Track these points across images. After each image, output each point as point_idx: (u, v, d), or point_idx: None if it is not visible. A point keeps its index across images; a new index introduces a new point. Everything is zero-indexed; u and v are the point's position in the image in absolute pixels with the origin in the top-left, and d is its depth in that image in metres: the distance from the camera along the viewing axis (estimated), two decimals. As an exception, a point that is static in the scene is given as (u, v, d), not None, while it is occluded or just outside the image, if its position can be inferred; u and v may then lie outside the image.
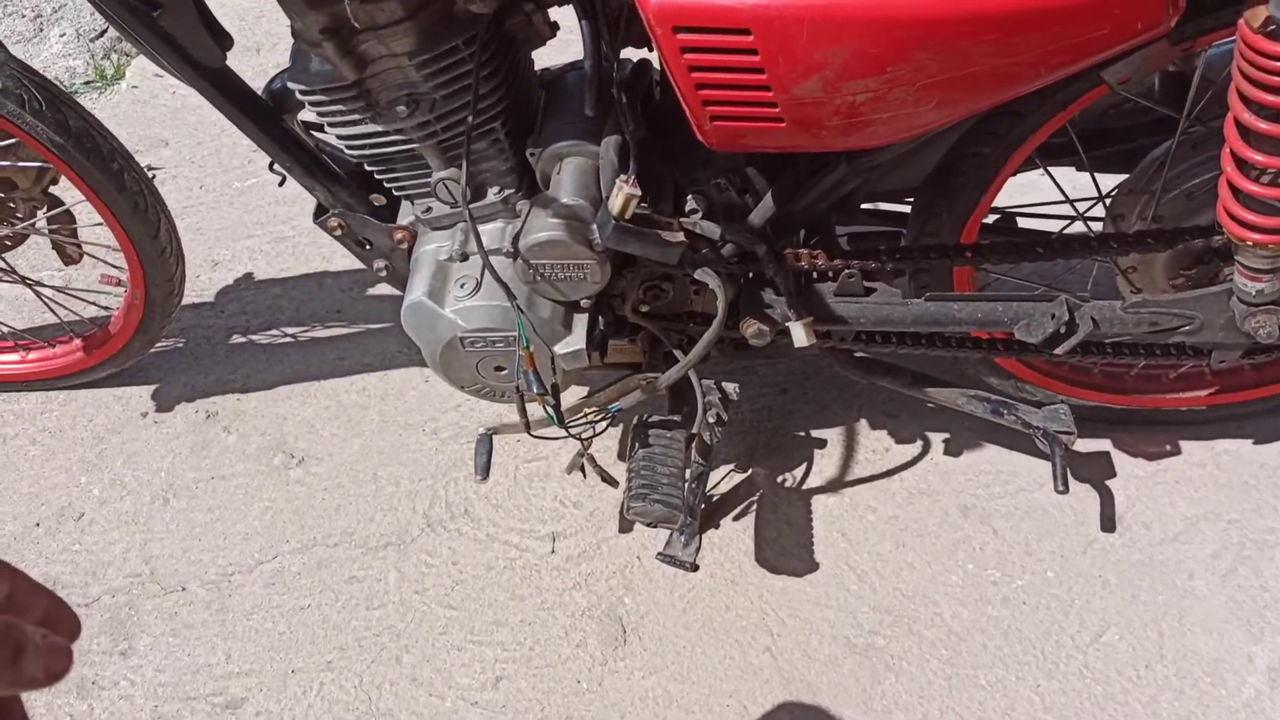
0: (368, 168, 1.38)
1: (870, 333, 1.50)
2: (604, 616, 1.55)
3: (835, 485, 1.71)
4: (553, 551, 1.64)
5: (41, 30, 3.23)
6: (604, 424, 1.38)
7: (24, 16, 3.25)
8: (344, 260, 2.20)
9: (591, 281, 1.31)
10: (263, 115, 1.41)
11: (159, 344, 2.00)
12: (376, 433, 1.84)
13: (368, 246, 1.52)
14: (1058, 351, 1.35)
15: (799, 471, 1.74)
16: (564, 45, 1.38)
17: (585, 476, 1.55)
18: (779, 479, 1.73)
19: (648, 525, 1.35)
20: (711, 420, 1.51)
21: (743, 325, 1.40)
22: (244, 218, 2.33)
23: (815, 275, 1.43)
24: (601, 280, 1.31)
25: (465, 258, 1.37)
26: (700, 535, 1.61)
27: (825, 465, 1.74)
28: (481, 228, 1.38)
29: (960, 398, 1.58)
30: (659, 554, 1.59)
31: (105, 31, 3.10)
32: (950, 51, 0.99)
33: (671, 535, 1.60)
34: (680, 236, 1.25)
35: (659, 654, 1.50)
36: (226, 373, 1.96)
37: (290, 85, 1.28)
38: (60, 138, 1.44)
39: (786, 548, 1.63)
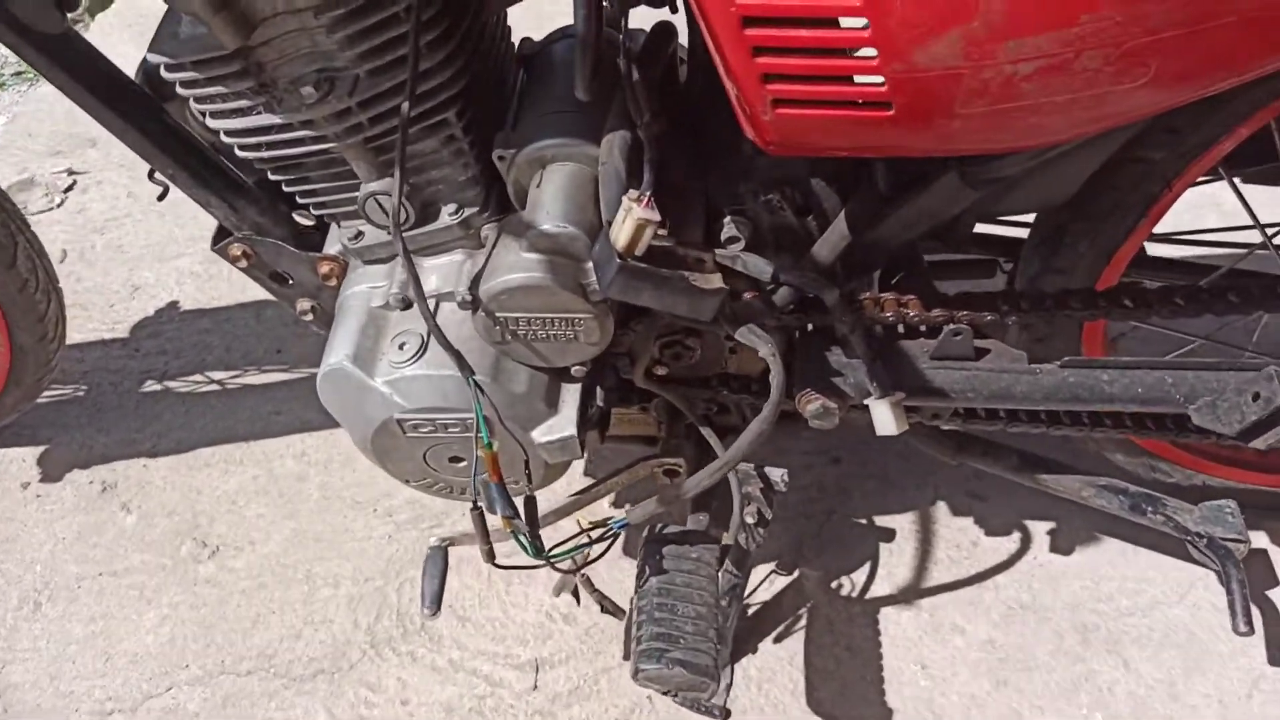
0: (271, 176, 0.98)
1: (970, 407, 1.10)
2: (603, 784, 1.14)
3: (909, 594, 1.30)
4: (535, 687, 1.23)
5: (-21, 16, 2.83)
6: (604, 545, 0.97)
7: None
8: (291, 286, 1.80)
9: (586, 343, 0.91)
10: (132, 102, 1.02)
11: (51, 392, 1.61)
12: (315, 514, 1.44)
13: (287, 282, 1.12)
14: (1257, 445, 0.94)
15: (860, 575, 1.33)
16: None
17: (579, 602, 1.15)
18: (834, 584, 1.32)
19: (665, 695, 0.96)
20: (750, 520, 1.10)
21: (800, 400, 0.99)
22: (175, 232, 1.93)
23: (902, 330, 1.03)
24: (600, 341, 0.91)
25: (407, 305, 0.96)
26: (732, 667, 1.21)
27: (894, 566, 1.33)
28: (430, 262, 0.98)
29: (1086, 489, 1.17)
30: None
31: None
32: (1193, -12, 0.58)
33: (694, 667, 1.19)
34: (717, 281, 0.85)
35: (678, 842, 1.10)
36: (133, 430, 1.56)
37: (150, 57, 0.88)
38: None
39: (847, 684, 1.22)
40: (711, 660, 0.94)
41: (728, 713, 1.19)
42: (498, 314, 0.88)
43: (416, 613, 1.31)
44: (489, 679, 1.24)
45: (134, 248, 1.91)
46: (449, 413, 0.92)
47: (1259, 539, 1.31)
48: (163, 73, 0.88)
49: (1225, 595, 1.08)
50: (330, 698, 1.23)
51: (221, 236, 1.10)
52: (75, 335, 1.72)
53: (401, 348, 0.93)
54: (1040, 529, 1.36)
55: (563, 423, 0.95)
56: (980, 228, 1.12)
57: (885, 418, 0.94)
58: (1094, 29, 0.61)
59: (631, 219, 0.78)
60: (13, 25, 0.92)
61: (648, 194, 0.79)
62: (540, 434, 0.95)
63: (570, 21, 1.03)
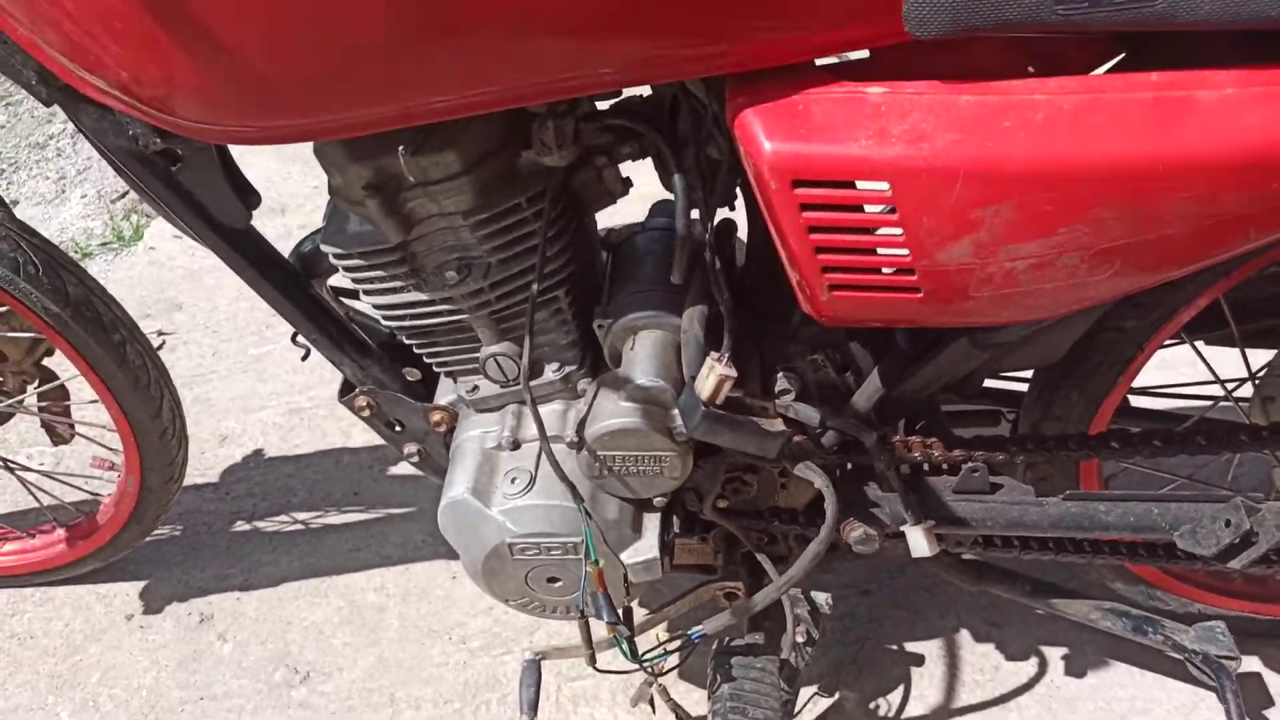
0: (406, 340, 1.19)
1: (988, 536, 1.27)
2: None
3: (940, 715, 1.43)
4: (605, 799, 1.35)
5: (64, 192, 3.16)
6: (683, 653, 1.13)
7: (48, 179, 3.19)
8: (364, 435, 1.99)
9: (669, 477, 1.10)
10: (288, 281, 1.23)
11: (153, 533, 1.78)
12: (395, 642, 1.58)
13: (399, 428, 1.31)
14: (1234, 565, 1.11)
15: (895, 697, 1.46)
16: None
17: (654, 711, 1.29)
18: (872, 706, 1.45)
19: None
20: (800, 639, 1.25)
21: (844, 529, 1.17)
22: (258, 387, 2.14)
23: (927, 468, 1.22)
24: (682, 475, 1.10)
25: (516, 446, 1.16)
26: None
27: (925, 689, 1.47)
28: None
29: (1093, 612, 1.33)
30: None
31: (126, 193, 3.03)
32: (1141, 210, 0.80)
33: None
34: (780, 425, 1.04)
35: None
36: (226, 566, 1.72)
37: (324, 248, 1.11)
38: (56, 306, 1.26)
39: (890, 796, 1.34)
40: (779, 756, 1.08)
41: (782, 821, 1.30)
42: (599, 452, 1.07)
43: (492, 731, 1.44)
44: (562, 792, 1.36)
45: (221, 400, 2.11)
46: (552, 537, 1.10)
47: (1252, 663, 1.45)
48: (332, 260, 1.11)
49: (1223, 710, 1.23)
50: (417, 809, 1.35)
51: (347, 390, 1.30)
52: (170, 480, 1.91)
53: (513, 481, 1.12)
54: (1055, 654, 1.50)
55: (647, 546, 1.13)
56: (988, 382, 1.33)
57: (920, 542, 1.11)
58: (1069, 238, 0.83)
59: (715, 375, 0.99)
60: (208, 222, 1.15)
61: (727, 355, 0.99)
62: (628, 556, 1.13)
63: (640, 218, 1.28)
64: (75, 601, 1.67)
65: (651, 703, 1.23)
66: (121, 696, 1.52)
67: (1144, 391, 1.35)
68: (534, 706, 1.15)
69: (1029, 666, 1.49)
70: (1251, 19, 0.72)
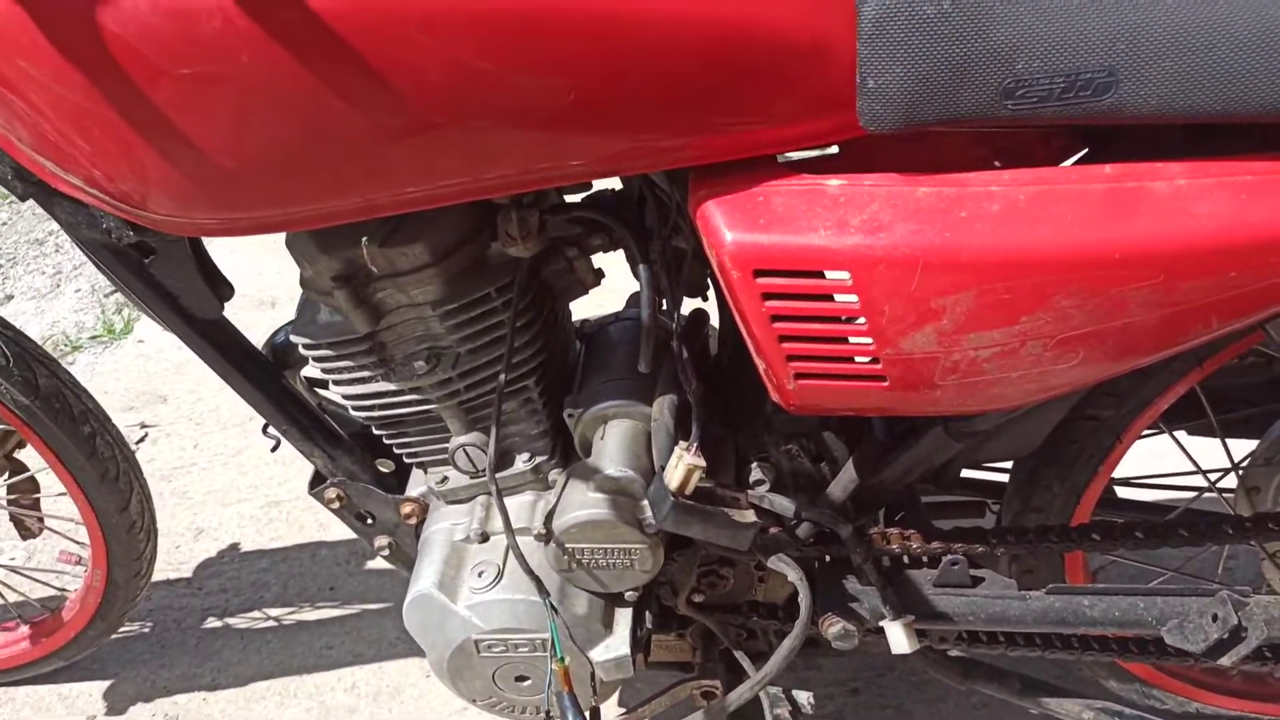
0: (375, 430, 1.18)
1: (972, 632, 1.24)
2: None
3: (931, 822, 1.37)
4: None
5: (58, 286, 3.19)
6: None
7: (44, 274, 3.22)
8: (341, 529, 1.95)
9: (640, 570, 1.07)
10: (260, 372, 1.23)
11: (122, 629, 1.73)
12: (365, 745, 1.52)
13: (370, 521, 1.29)
14: (1224, 662, 1.08)
15: (883, 803, 1.40)
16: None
17: None
18: (859, 813, 1.39)
19: None
20: (781, 741, 1.21)
21: (823, 623, 1.14)
22: (237, 480, 2.12)
23: (907, 561, 1.19)
24: (653, 569, 1.07)
25: (485, 539, 1.13)
26: None
27: (915, 794, 1.41)
28: (505, 502, 1.16)
29: (1086, 712, 1.29)
30: None
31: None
32: (1100, 298, 0.80)
33: None
34: (752, 516, 1.02)
35: None
36: (194, 665, 1.67)
37: (294, 338, 1.11)
38: (26, 398, 1.26)
39: None
40: None
41: None
42: (567, 544, 1.05)
43: (462, 841, 1.37)
44: None
45: (198, 494, 2.09)
46: (520, 633, 1.07)
47: (1255, 765, 1.40)
48: (301, 350, 1.10)
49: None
50: None
51: (317, 482, 1.28)
52: (143, 575, 1.87)
53: (480, 575, 1.09)
54: (1049, 757, 1.45)
55: (618, 643, 1.09)
56: (968, 473, 1.32)
57: (899, 638, 1.08)
58: (1032, 326, 0.82)
59: (684, 464, 0.97)
60: (180, 314, 1.15)
61: (695, 444, 0.98)
62: (598, 653, 1.09)
63: (616, 309, 1.28)
64: (36, 702, 1.62)
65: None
66: (77, 805, 1.46)
67: (1126, 482, 1.33)
68: (500, 816, 1.10)
69: (1022, 773, 1.43)
70: (1196, 113, 0.73)
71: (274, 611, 1.78)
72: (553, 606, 1.00)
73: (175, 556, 1.92)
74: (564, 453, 1.16)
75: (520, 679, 1.12)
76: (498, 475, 1.15)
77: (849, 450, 1.14)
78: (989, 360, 0.85)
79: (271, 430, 1.29)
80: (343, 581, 1.84)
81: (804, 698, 1.25)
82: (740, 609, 1.23)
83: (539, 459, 1.15)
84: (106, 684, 1.64)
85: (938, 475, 1.22)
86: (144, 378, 2.53)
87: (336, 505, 1.27)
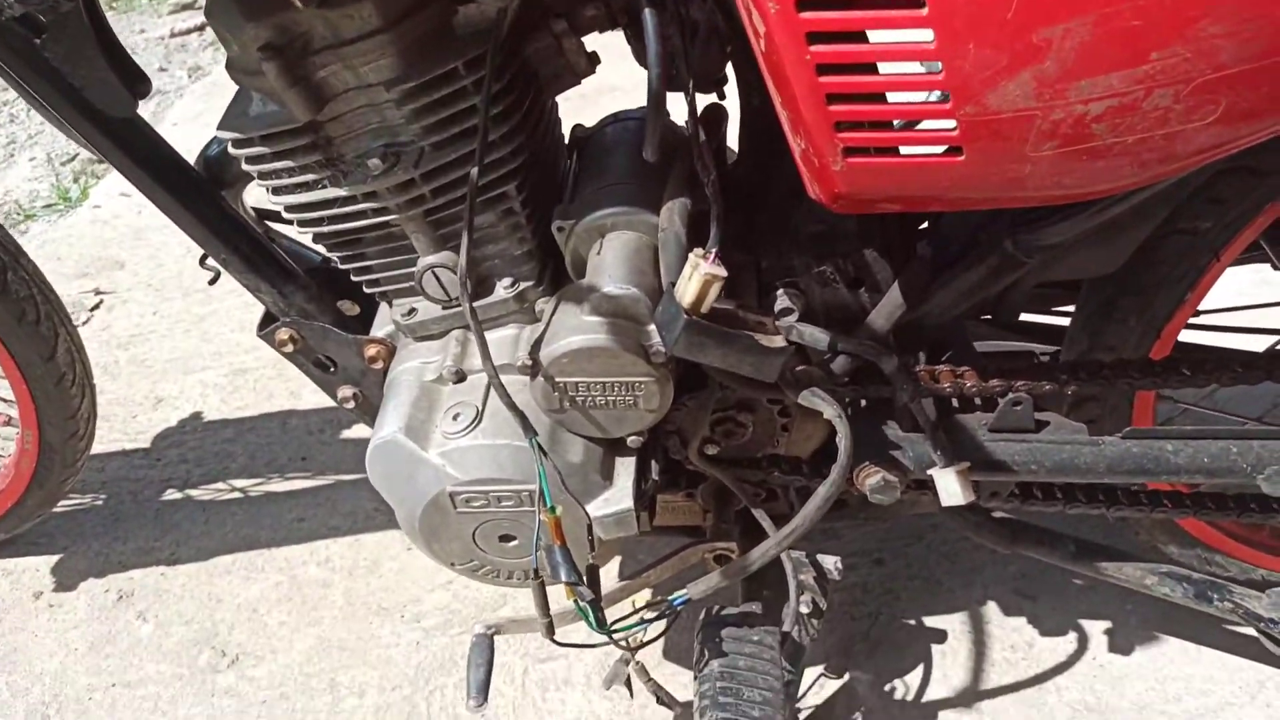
0: (329, 252, 0.99)
1: (1026, 486, 1.08)
2: None
3: (967, 698, 1.24)
4: (577, 801, 1.16)
5: (13, 156, 2.96)
6: (662, 623, 0.93)
7: (-2, 144, 3.00)
8: (315, 397, 1.79)
9: (645, 409, 0.89)
10: (192, 189, 1.03)
11: (69, 502, 1.58)
12: (339, 621, 1.38)
13: (330, 369, 1.11)
14: (1334, 513, 0.92)
15: (914, 678, 1.27)
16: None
17: (631, 694, 1.09)
18: (887, 688, 1.25)
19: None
20: (805, 609, 1.05)
21: (859, 475, 0.97)
22: (200, 347, 1.94)
23: (956, 405, 1.02)
24: (659, 407, 0.90)
25: (460, 378, 0.96)
26: (787, 774, 1.13)
27: (949, 668, 1.27)
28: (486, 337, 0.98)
29: (1149, 577, 1.13)
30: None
31: (76, 156, 2.83)
32: (1266, 24, 0.60)
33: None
34: (781, 341, 0.84)
35: None
36: (152, 539, 1.52)
37: (220, 135, 0.90)
38: (-86, 219, 1.05)
39: (911, 794, 1.15)
40: (781, 745, 0.88)
41: (787, 825, 1.11)
42: (558, 379, 0.87)
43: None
44: (527, 792, 1.16)
45: (158, 362, 1.91)
46: (503, 484, 0.90)
47: (1326, 635, 1.26)
48: (230, 149, 0.90)
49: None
50: (356, 814, 1.15)
51: (268, 323, 1.10)
52: (96, 446, 1.69)
53: (456, 419, 0.92)
54: (1096, 628, 1.31)
55: (619, 495, 0.93)
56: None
57: (952, 487, 0.91)
58: (1163, 66, 0.62)
59: (698, 275, 0.79)
60: (84, 110, 0.95)
61: (714, 250, 0.79)
62: (596, 508, 0.93)
63: (613, 111, 1.08)
64: (-23, 579, 1.47)
65: (628, 684, 1.03)
66: (21, 684, 1.32)
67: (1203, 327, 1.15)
68: (483, 690, 0.94)
69: (1067, 643, 1.29)
70: None
71: (240, 483, 1.62)
72: (541, 448, 0.83)
73: (132, 426, 1.75)
74: (553, 278, 0.97)
75: (505, 539, 0.95)
76: (475, 305, 0.96)
77: (894, 272, 0.96)
78: (1101, 119, 0.66)
79: (210, 261, 1.09)
80: (315, 451, 1.68)
81: (830, 563, 1.09)
82: (760, 464, 1.07)
83: (523, 285, 0.96)
84: (55, 559, 1.49)
85: (996, 308, 1.03)
86: (99, 244, 2.33)
87: (290, 349, 1.09)
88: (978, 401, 1.02)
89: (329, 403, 1.78)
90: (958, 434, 0.97)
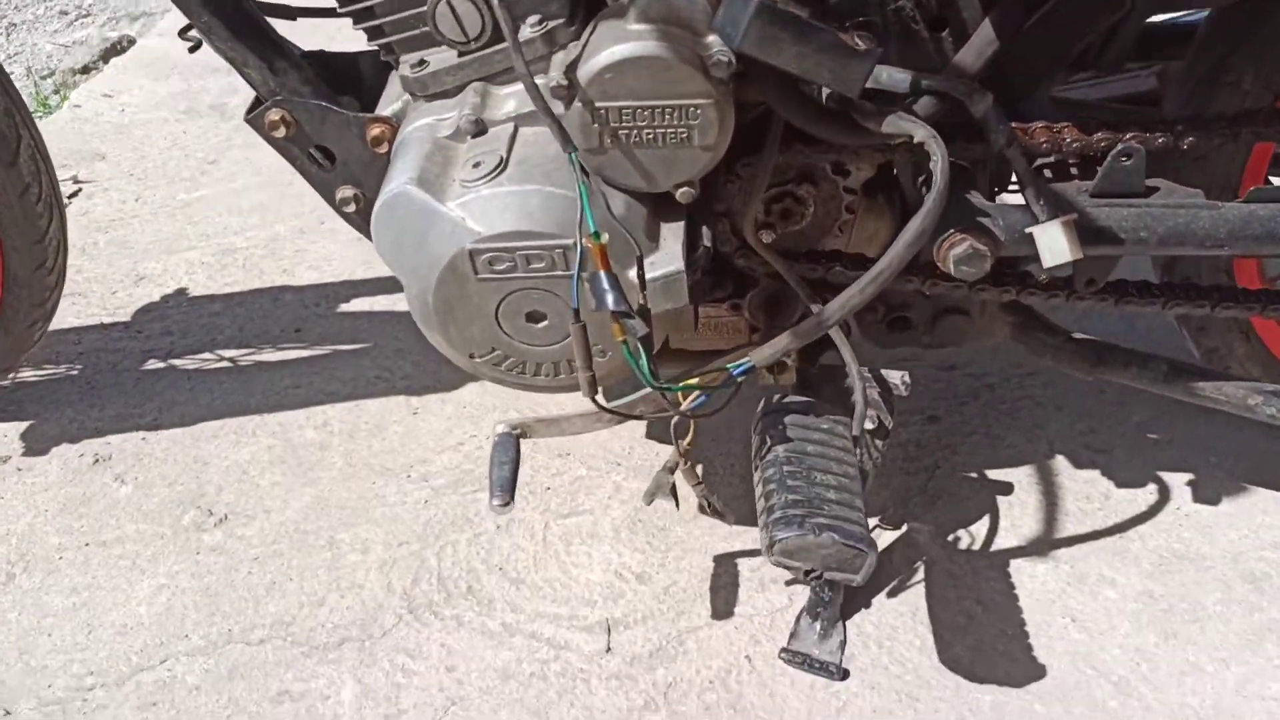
0: (325, -9, 0.85)
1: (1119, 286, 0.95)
2: (700, 758, 0.92)
3: (1040, 547, 1.11)
4: (608, 649, 1.02)
5: (-10, 73, 2.80)
6: (720, 401, 0.79)
7: (-26, 59, 2.85)
8: (311, 273, 1.66)
9: (700, 145, 0.76)
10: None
11: (40, 372, 1.44)
12: (339, 481, 1.25)
13: (328, 164, 0.97)
14: None
15: (979, 528, 1.14)
16: None
17: (677, 505, 0.95)
18: (951, 538, 1.13)
19: (807, 577, 0.76)
20: (869, 426, 0.92)
21: (943, 245, 0.84)
22: (185, 229, 1.80)
23: (1047, 168, 0.89)
24: (716, 143, 0.76)
25: (481, 129, 0.82)
26: (844, 623, 1.01)
27: (1017, 518, 1.15)
28: (507, 89, 0.85)
29: (1252, 396, 1.01)
30: (784, 651, 0.99)
31: (56, 71, 2.69)
32: None
33: (799, 622, 1.00)
34: (866, 43, 0.71)
35: (800, 824, 0.87)
36: (132, 406, 1.38)
37: None
38: None
39: (984, 640, 1.02)
40: (864, 528, 0.75)
41: (846, 673, 0.98)
42: (598, 104, 0.74)
43: (461, 576, 1.11)
44: (552, 642, 1.03)
45: (140, 244, 1.77)
46: (533, 239, 0.77)
47: None
48: None
49: None
50: (360, 666, 1.02)
51: (255, 107, 0.96)
52: (71, 320, 1.57)
53: (476, 166, 0.79)
54: (1178, 480, 1.18)
55: (667, 258, 0.79)
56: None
57: (1058, 242, 0.78)
58: None
59: (773, -53, 0.65)
60: None
61: (792, -83, 0.66)
62: (644, 269, 0.79)
63: None
64: (-62, 444, 1.33)
65: (673, 493, 0.90)
66: (-15, 546, 1.18)
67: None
68: (508, 488, 0.82)
69: (1147, 494, 1.17)
70: None
71: (229, 353, 1.48)
72: (581, 165, 0.70)
73: (111, 302, 1.61)
74: (586, 18, 0.83)
75: (534, 318, 0.82)
76: (497, 49, 0.83)
77: (984, 8, 0.82)
78: None
79: (193, 32, 0.96)
80: (311, 324, 1.54)
81: (897, 377, 0.97)
82: (820, 258, 0.93)
83: (552, 23, 0.82)
84: (25, 425, 1.35)
85: (1100, 54, 0.90)
86: (80, 139, 2.18)
87: (282, 133, 0.95)
88: (1073, 170, 0.89)
89: (324, 276, 1.67)
90: (1056, 200, 0.84)
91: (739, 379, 0.77)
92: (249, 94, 0.96)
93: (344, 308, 1.58)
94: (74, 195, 1.95)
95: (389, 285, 1.59)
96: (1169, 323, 1.16)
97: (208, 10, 0.92)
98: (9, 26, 3.12)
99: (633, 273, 0.75)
